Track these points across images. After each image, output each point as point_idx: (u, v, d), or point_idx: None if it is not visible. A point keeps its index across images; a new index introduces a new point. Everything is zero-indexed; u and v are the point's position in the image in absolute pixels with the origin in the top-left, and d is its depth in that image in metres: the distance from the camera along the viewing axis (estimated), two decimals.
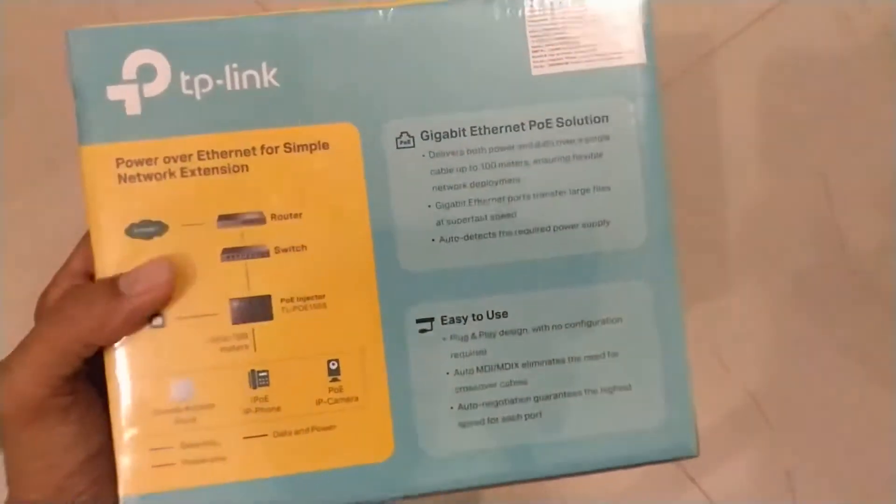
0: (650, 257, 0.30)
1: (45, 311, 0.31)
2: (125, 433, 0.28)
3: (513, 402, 0.30)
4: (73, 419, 0.29)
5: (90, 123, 0.29)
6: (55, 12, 0.56)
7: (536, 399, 0.30)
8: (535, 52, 0.30)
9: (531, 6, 0.30)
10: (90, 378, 0.29)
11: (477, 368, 0.30)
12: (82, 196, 0.29)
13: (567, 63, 0.30)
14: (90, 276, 0.31)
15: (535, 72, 0.30)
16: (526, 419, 0.30)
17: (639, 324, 0.30)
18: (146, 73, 0.29)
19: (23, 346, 0.28)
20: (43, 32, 0.53)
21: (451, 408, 0.30)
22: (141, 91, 0.29)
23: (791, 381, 0.57)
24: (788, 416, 0.56)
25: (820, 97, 0.61)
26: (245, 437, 0.29)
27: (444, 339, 0.30)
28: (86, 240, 0.32)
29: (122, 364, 0.28)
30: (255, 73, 0.29)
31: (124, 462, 0.28)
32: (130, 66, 0.29)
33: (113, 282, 0.28)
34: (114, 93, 0.29)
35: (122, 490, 0.28)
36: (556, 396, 0.30)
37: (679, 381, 0.31)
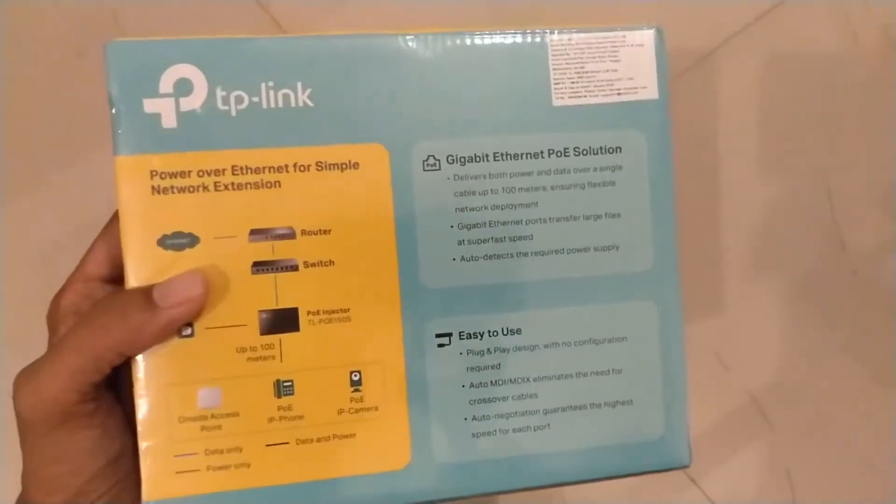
0: (656, 281, 0.32)
1: (64, 310, 0.31)
2: (150, 439, 0.29)
3: (523, 414, 0.32)
4: (96, 424, 0.29)
5: (125, 135, 0.29)
6: (56, 13, 0.55)
7: (545, 412, 0.32)
8: (557, 84, 0.32)
9: (554, 41, 0.32)
10: (110, 383, 0.30)
11: (491, 382, 0.32)
12: (116, 205, 0.29)
13: (586, 96, 0.32)
14: (105, 280, 0.32)
15: (556, 103, 0.32)
16: (535, 430, 0.32)
17: (642, 343, 0.32)
18: (183, 87, 0.29)
19: (54, 353, 0.28)
20: (45, 33, 0.53)
21: (465, 419, 0.31)
22: (177, 105, 0.29)
23: (791, 381, 0.57)
24: (788, 416, 0.56)
25: (820, 97, 0.61)
26: (268, 445, 0.30)
27: (461, 353, 0.31)
28: (99, 242, 0.32)
29: (150, 372, 0.29)
30: (290, 91, 0.30)
31: (148, 467, 0.29)
32: (168, 80, 0.29)
33: (147, 293, 0.28)
34: (150, 105, 0.29)
35: (146, 495, 0.29)
36: (563, 410, 0.32)
37: (677, 397, 0.33)
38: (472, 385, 0.31)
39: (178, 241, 0.29)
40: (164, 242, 0.29)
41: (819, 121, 0.61)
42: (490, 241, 0.31)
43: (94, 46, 0.47)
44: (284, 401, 0.30)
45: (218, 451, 0.30)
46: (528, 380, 0.32)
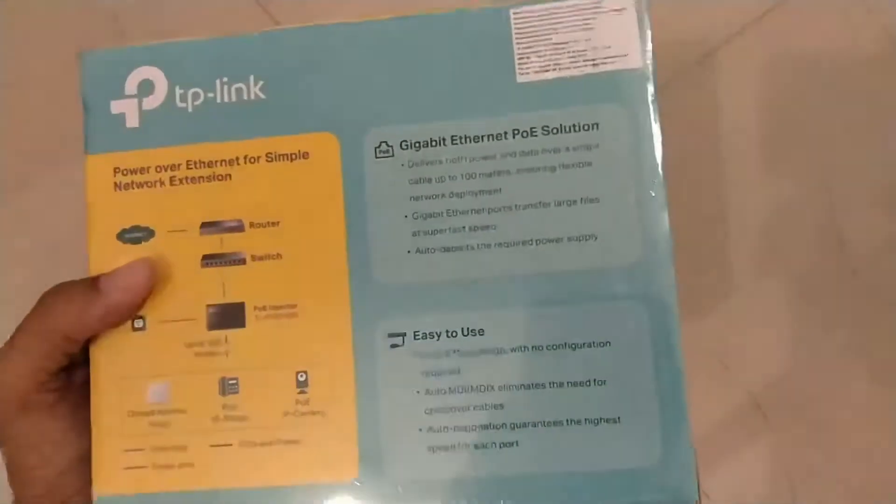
0: (645, 276, 0.28)
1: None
2: (102, 431, 0.29)
3: (486, 427, 0.28)
4: (60, 415, 0.30)
5: (94, 134, 0.30)
6: (56, 14, 0.55)
7: (513, 426, 0.28)
8: (521, 59, 0.29)
9: (516, 13, 0.29)
10: (83, 377, 0.31)
11: (449, 389, 0.28)
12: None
13: (554, 70, 0.28)
14: None
15: (520, 79, 0.29)
16: (501, 447, 0.28)
17: (630, 349, 0.27)
18: (146, 87, 0.30)
19: (9, 340, 0.29)
20: (45, 35, 0.54)
21: (420, 430, 0.28)
22: (140, 105, 0.30)
23: (791, 381, 0.56)
24: (788, 416, 0.55)
25: (820, 97, 0.60)
26: (212, 445, 0.29)
27: (415, 355, 0.28)
28: None
29: (103, 364, 0.29)
30: (243, 85, 0.30)
31: (99, 461, 0.29)
32: (132, 82, 0.30)
33: (94, 280, 0.29)
34: (116, 107, 0.30)
35: (96, 489, 0.29)
36: (534, 425, 0.28)
37: (677, 415, 0.27)
38: (427, 392, 0.28)
39: (135, 234, 0.30)
40: (122, 236, 0.30)
41: (819, 121, 0.60)
42: (447, 231, 0.29)
43: (95, 46, 0.49)
44: (229, 399, 0.29)
45: (164, 448, 0.29)
46: (492, 388, 0.28)
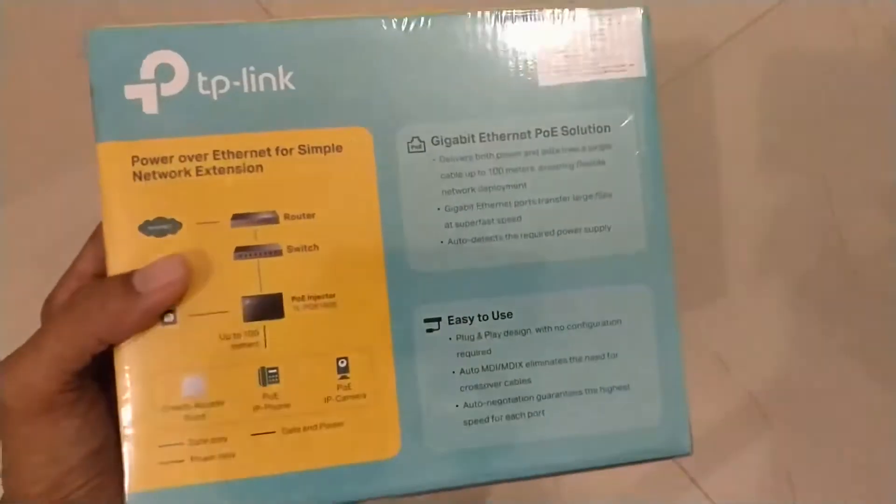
0: (649, 263, 0.32)
1: (57, 308, 0.31)
2: (133, 429, 0.29)
3: (516, 400, 0.31)
4: (78, 413, 0.29)
5: (107, 121, 0.29)
6: (56, 13, 0.55)
7: (539, 398, 0.31)
8: (543, 64, 0.31)
9: (540, 21, 0.31)
10: (94, 373, 0.30)
11: (482, 367, 0.31)
12: (99, 193, 0.29)
13: (572, 75, 0.31)
14: (99, 278, 0.31)
15: (542, 83, 0.31)
16: (529, 417, 0.31)
17: (637, 326, 0.32)
18: (164, 73, 0.29)
19: (34, 341, 0.28)
20: (45, 34, 0.53)
21: (457, 406, 0.30)
22: (159, 90, 0.29)
23: (791, 381, 0.57)
24: (788, 416, 0.56)
25: (820, 97, 0.61)
26: (253, 434, 0.29)
27: (450, 338, 0.31)
28: (93, 241, 0.32)
29: (133, 361, 0.29)
30: (271, 76, 0.30)
31: (132, 457, 0.29)
32: (149, 66, 0.29)
33: (126, 279, 0.28)
34: (131, 92, 0.29)
35: (129, 486, 0.28)
36: (558, 395, 0.31)
37: (675, 382, 0.32)
38: (462, 371, 0.31)
39: (160, 227, 0.29)
40: (146, 229, 0.29)
41: (819, 121, 0.60)
42: (478, 223, 0.31)
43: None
44: (270, 389, 0.29)
45: (202, 440, 0.29)
46: (520, 365, 0.31)
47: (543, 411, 0.31)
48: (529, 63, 0.31)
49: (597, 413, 0.31)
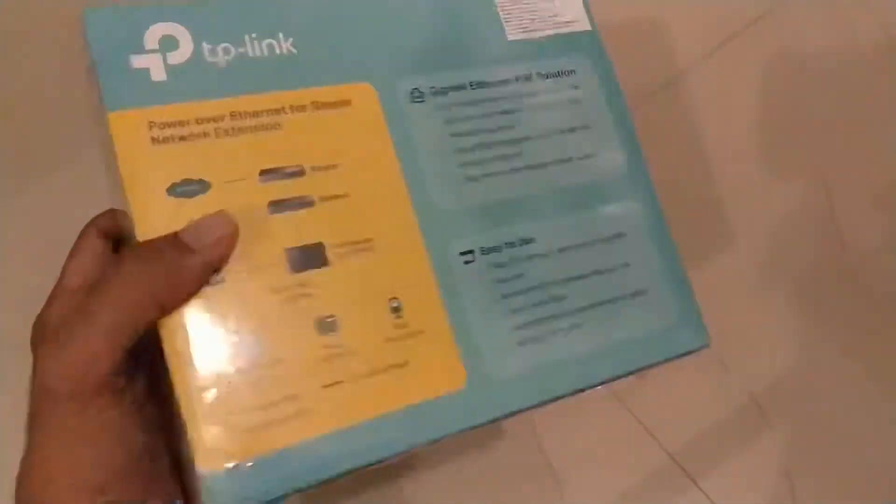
0: (633, 182, 0.35)
1: (51, 330, 0.27)
2: (197, 404, 0.26)
3: (557, 317, 0.32)
4: (124, 407, 0.26)
5: (116, 90, 0.28)
6: (56, 13, 0.48)
7: (575, 312, 0.32)
8: (507, 21, 0.35)
9: None
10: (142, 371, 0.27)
11: (521, 290, 0.32)
12: (112, 163, 0.27)
13: (534, 30, 0.35)
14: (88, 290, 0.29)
15: (510, 37, 0.35)
16: (571, 330, 0.32)
17: (638, 237, 0.35)
18: (168, 43, 0.29)
19: (84, 312, 0.25)
20: (44, 33, 0.50)
21: (507, 329, 0.31)
22: (165, 59, 0.29)
23: (791, 381, 0.55)
24: (788, 417, 0.54)
25: (820, 97, 0.61)
26: (324, 386, 0.27)
27: (486, 267, 0.31)
28: (74, 256, 0.30)
29: (185, 330, 0.26)
30: (273, 41, 0.30)
31: (199, 435, 0.25)
32: (152, 38, 0.29)
33: (176, 238, 0.26)
34: (138, 61, 0.28)
35: (200, 464, 0.25)
36: (591, 307, 0.33)
37: (681, 281, 0.35)
38: (504, 296, 0.31)
39: (188, 188, 0.28)
40: (174, 191, 0.27)
41: (819, 121, 0.60)
42: (486, 160, 0.33)
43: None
44: (330, 338, 0.28)
45: (273, 403, 0.27)
46: (552, 283, 0.32)
47: (582, 324, 0.32)
48: (495, 21, 0.35)
49: (626, 319, 0.33)
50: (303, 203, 0.29)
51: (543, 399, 0.31)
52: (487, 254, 0.32)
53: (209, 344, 0.26)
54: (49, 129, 0.48)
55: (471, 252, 0.31)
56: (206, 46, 0.29)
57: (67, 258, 0.31)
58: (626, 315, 0.33)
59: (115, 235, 0.32)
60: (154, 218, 0.27)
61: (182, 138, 0.28)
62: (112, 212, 0.32)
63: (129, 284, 0.25)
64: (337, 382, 0.28)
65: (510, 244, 0.32)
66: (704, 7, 0.60)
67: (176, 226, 0.27)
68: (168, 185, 0.27)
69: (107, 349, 0.24)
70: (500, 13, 0.35)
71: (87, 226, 0.32)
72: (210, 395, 0.26)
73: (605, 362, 0.32)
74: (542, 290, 0.32)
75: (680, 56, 0.59)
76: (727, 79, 0.60)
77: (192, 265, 0.26)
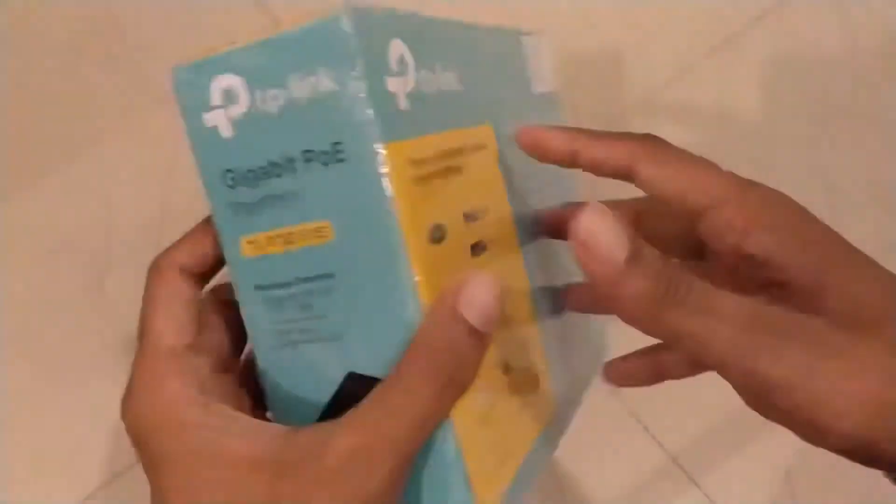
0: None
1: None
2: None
3: None
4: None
5: (386, 120, 0.25)
6: (56, 13, 0.53)
7: None
8: (533, 75, 0.39)
9: (526, 40, 0.39)
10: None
11: None
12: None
13: (548, 84, 0.41)
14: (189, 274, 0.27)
15: (534, 90, 0.39)
16: None
17: None
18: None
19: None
20: (45, 33, 0.53)
21: None
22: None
23: None
24: None
25: (820, 97, 0.60)
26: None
27: None
28: (158, 304, 0.26)
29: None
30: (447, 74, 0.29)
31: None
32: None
33: (458, 315, 0.24)
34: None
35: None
36: None
37: None
38: None
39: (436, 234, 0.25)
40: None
41: (819, 120, 0.60)
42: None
43: (94, 46, 0.53)
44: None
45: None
46: None
47: None
48: (525, 71, 0.38)
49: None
50: (482, 248, 0.29)
51: None
52: None
53: None
54: (49, 128, 0.48)
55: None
56: (423, 73, 0.27)
57: (148, 309, 0.26)
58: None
59: (199, 272, 0.27)
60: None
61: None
62: (190, 242, 0.27)
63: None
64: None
65: None
66: (704, 7, 0.61)
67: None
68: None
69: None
70: (529, 66, 0.38)
71: (162, 265, 0.27)
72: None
73: None
74: None
75: (679, 56, 0.60)
76: (727, 79, 0.60)
77: (480, 352, 0.24)
